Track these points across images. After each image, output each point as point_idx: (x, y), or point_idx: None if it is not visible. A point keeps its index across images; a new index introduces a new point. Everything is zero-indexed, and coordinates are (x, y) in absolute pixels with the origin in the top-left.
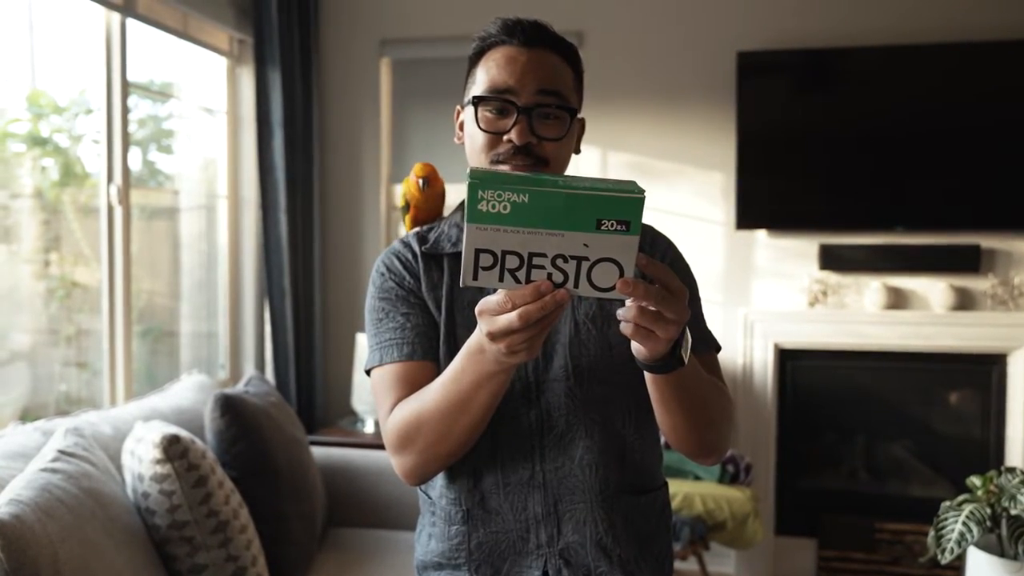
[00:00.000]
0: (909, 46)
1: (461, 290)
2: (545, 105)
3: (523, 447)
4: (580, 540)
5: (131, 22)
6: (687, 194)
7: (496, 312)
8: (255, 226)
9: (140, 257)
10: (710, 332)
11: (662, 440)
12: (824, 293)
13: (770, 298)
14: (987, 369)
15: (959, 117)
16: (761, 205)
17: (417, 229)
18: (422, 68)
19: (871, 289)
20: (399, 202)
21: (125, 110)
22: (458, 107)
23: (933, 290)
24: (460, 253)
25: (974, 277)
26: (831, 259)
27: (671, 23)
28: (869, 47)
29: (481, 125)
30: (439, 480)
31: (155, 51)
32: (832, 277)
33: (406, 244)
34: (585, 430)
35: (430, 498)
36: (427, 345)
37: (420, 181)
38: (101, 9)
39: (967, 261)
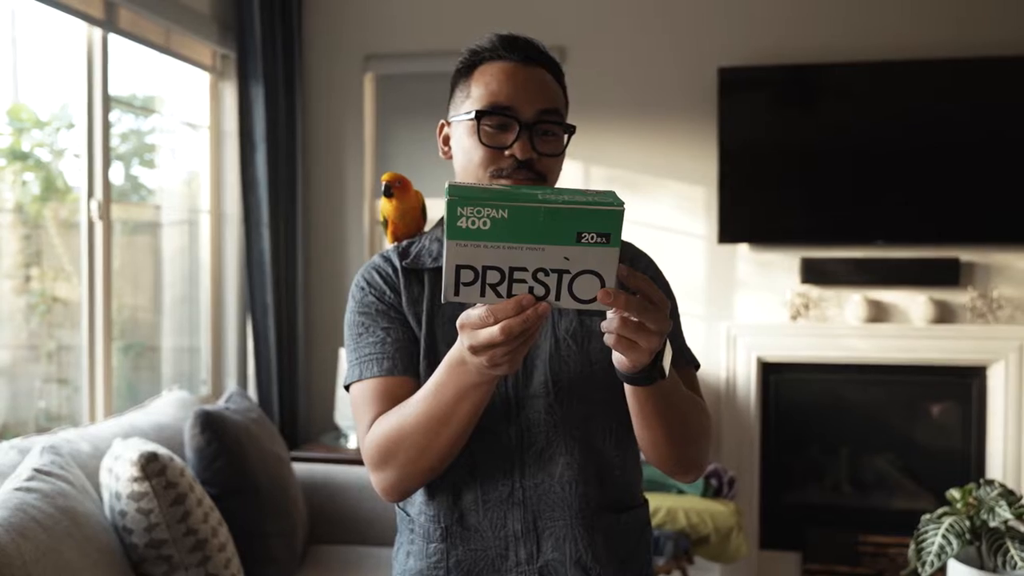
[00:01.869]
0: (889, 63)
1: (442, 305)
2: (547, 122)
3: (502, 463)
4: (559, 558)
5: (113, 37)
6: (669, 208)
7: (478, 326)
8: (238, 241)
9: (122, 272)
10: (689, 349)
11: (642, 457)
12: (806, 306)
13: (752, 312)
14: (967, 382)
15: (938, 132)
16: (743, 219)
17: (398, 243)
18: (406, 83)
19: (852, 302)
20: (380, 217)
21: (107, 125)
22: (442, 122)
23: (913, 303)
24: (441, 268)
25: (954, 290)
26: (812, 273)
27: (652, 39)
28: (849, 63)
29: (483, 140)
30: (418, 497)
31: (138, 65)
32: (814, 290)
33: (386, 258)
34: (565, 447)
35: (408, 515)
36: (407, 360)
37: (382, 186)
38: (83, 24)
39: (947, 274)
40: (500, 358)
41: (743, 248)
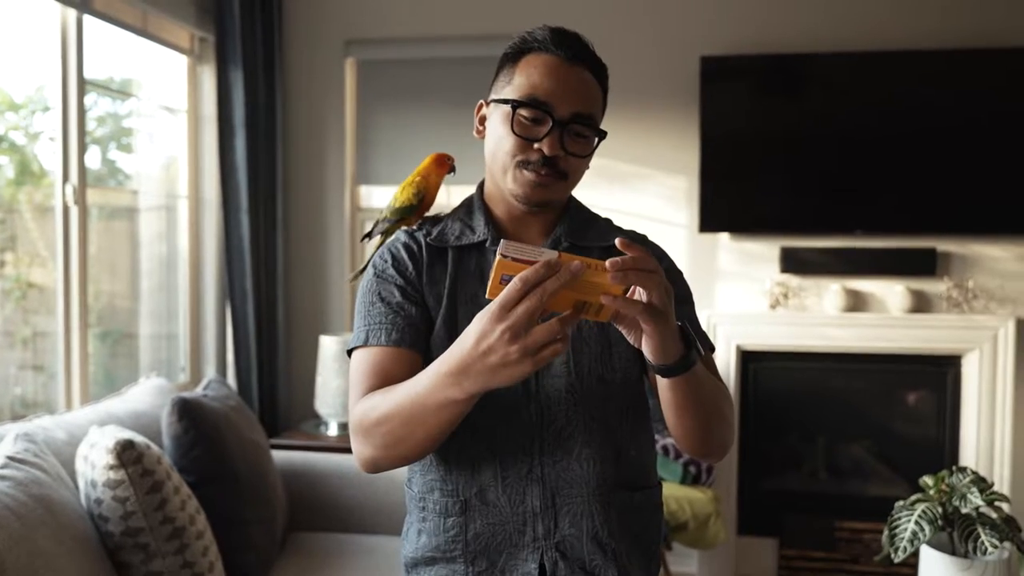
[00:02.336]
0: (868, 53)
1: (464, 283)
2: (579, 124)
3: (522, 441)
4: (576, 533)
5: (89, 19)
6: (651, 197)
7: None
8: (216, 227)
9: (99, 258)
10: (705, 333)
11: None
12: (785, 295)
13: (732, 301)
14: (943, 370)
15: (916, 123)
16: (724, 208)
17: (421, 223)
18: (388, 69)
19: (831, 292)
20: (403, 202)
21: (82, 108)
22: (482, 101)
23: (891, 293)
24: (463, 247)
25: (930, 280)
26: (792, 262)
27: (635, 27)
28: (829, 53)
29: (515, 130)
30: (433, 474)
31: (115, 48)
32: (793, 280)
33: (412, 235)
34: (584, 426)
35: (420, 494)
36: (415, 336)
37: (451, 163)
38: (57, 5)
39: (923, 264)
40: (520, 326)
41: (724, 237)
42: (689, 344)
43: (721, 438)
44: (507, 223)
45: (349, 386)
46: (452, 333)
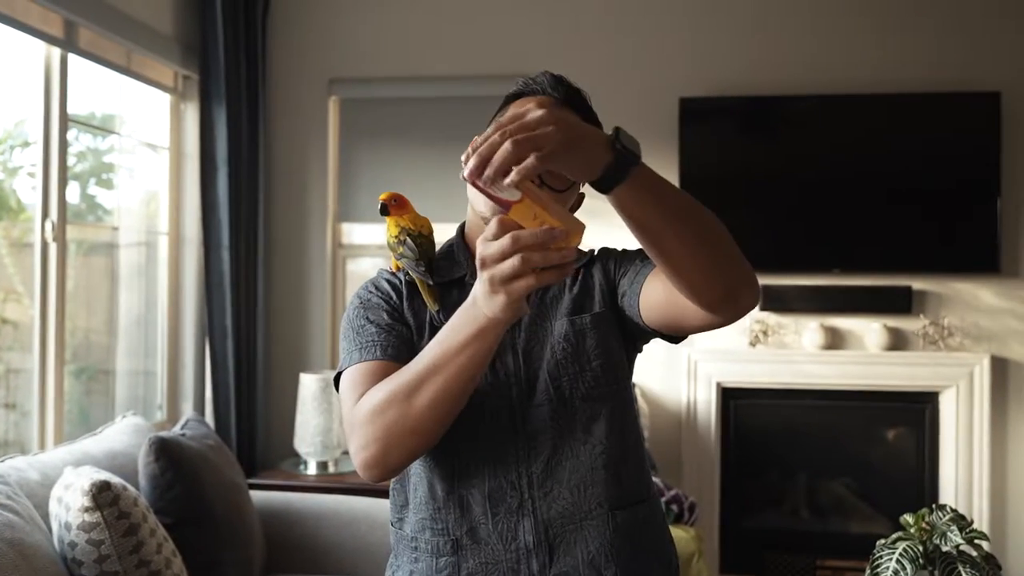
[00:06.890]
0: (844, 96)
1: (447, 316)
2: None
3: (510, 475)
4: (572, 563)
5: (72, 57)
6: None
7: (490, 238)
8: (197, 263)
9: (76, 293)
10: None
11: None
12: (764, 333)
13: (713, 338)
14: (921, 407)
15: (892, 164)
16: None
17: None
18: (370, 107)
19: (809, 329)
20: (387, 240)
21: (64, 144)
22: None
23: (868, 330)
24: (443, 283)
25: (907, 318)
26: (771, 300)
27: (616, 69)
28: (806, 95)
29: None
30: (425, 512)
31: (97, 84)
32: (772, 317)
33: (393, 274)
34: (571, 450)
35: (410, 534)
36: (408, 352)
37: (379, 205)
38: (42, 43)
39: (900, 302)
40: (508, 273)
41: None
42: (617, 152)
43: (732, 272)
44: None
45: (342, 403)
46: None
